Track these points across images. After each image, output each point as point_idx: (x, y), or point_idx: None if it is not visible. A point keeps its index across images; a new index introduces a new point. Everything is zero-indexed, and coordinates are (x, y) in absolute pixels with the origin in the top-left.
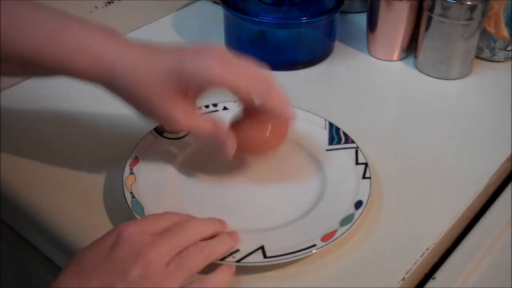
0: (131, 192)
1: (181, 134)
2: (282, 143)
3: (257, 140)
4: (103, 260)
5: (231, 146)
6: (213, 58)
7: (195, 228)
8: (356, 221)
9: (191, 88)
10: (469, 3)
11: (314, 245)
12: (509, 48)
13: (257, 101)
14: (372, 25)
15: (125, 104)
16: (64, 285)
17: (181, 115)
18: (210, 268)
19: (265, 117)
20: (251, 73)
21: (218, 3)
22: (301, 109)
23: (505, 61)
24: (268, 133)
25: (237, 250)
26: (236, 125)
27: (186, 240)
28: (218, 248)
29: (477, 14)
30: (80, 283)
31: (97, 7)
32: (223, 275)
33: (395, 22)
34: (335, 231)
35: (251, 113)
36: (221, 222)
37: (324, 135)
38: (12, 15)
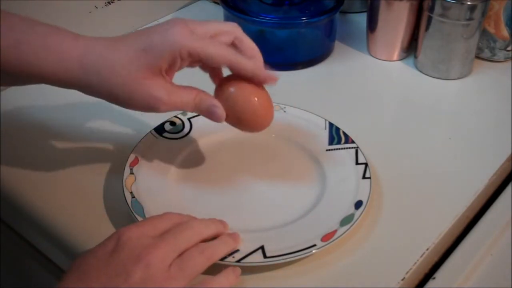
0: (131, 192)
1: (181, 134)
2: (271, 115)
3: (246, 107)
4: (104, 264)
5: (220, 111)
6: (176, 26)
7: (195, 229)
8: (356, 221)
9: (163, 64)
10: (469, 3)
11: (314, 245)
12: (509, 48)
13: (227, 66)
14: (372, 25)
15: (107, 100)
16: None
17: (163, 93)
18: (211, 268)
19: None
20: (217, 31)
21: (218, 3)
22: (301, 109)
23: (505, 61)
24: (256, 102)
25: (237, 250)
26: (221, 92)
27: (187, 241)
28: (219, 249)
29: (477, 14)
30: (82, 286)
31: (97, 7)
32: (227, 278)
33: (395, 22)
34: (335, 231)
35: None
36: (222, 222)
37: (324, 135)
38: None
